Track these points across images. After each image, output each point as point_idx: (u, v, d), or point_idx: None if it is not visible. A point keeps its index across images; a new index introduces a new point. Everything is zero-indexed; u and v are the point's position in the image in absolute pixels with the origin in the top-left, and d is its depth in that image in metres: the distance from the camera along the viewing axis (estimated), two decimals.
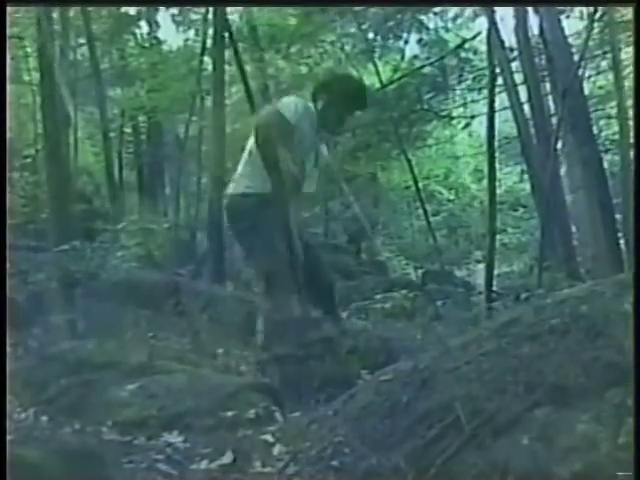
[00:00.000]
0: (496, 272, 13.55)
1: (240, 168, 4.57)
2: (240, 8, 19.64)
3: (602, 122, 17.03)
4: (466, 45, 15.52)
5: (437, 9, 17.19)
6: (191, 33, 21.69)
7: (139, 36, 21.87)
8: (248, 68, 18.13)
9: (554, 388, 2.24)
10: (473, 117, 16.91)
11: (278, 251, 4.26)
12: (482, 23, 14.33)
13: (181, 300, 6.77)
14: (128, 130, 22.37)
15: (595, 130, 14.51)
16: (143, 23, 21.73)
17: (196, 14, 20.46)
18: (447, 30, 17.80)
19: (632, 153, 10.09)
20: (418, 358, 3.03)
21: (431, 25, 17.31)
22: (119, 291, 6.92)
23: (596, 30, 13.86)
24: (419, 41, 16.82)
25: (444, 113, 16.33)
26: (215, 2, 12.39)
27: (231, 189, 4.59)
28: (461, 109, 17.18)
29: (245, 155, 4.57)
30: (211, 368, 4.58)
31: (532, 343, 2.55)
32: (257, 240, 4.32)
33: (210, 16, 16.25)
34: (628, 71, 16.02)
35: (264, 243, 4.28)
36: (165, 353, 4.81)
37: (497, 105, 13.58)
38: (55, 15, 14.50)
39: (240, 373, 4.66)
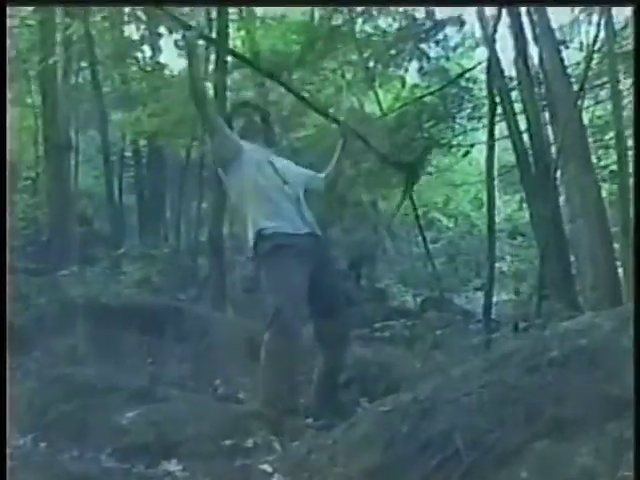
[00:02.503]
0: (495, 300, 13.56)
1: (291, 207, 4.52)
2: (242, 33, 19.80)
3: (601, 151, 17.11)
4: (466, 74, 15.60)
5: (439, 37, 17.31)
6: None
7: (141, 60, 21.99)
8: (250, 94, 18.24)
9: (553, 421, 2.25)
10: (472, 145, 16.95)
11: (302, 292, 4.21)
12: (483, 53, 14.43)
13: (181, 325, 6.78)
14: (129, 154, 22.42)
15: (594, 159, 14.56)
16: (146, 47, 21.88)
17: (199, 40, 20.54)
18: (448, 59, 17.87)
19: (632, 152, 10.06)
20: (418, 388, 3.04)
21: (432, 54, 17.40)
22: (119, 316, 6.92)
23: (595, 61, 13.95)
24: (420, 70, 16.87)
25: (444, 141, 16.37)
26: (215, 2, 12.44)
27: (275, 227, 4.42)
28: (461, 137, 17.24)
29: (300, 196, 4.59)
30: (211, 395, 4.59)
31: (532, 375, 2.56)
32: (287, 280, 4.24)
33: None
34: (627, 101, 16.13)
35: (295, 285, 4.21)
36: (165, 379, 4.82)
37: (497, 134, 13.64)
38: (58, 38, 14.60)
39: (239, 401, 4.67)
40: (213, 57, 15.41)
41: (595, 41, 11.46)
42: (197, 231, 16.69)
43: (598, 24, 11.63)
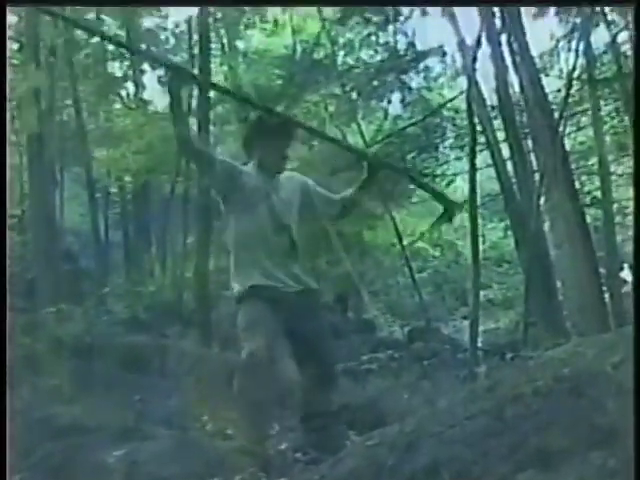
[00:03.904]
0: (482, 328, 13.60)
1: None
2: (225, 68, 19.92)
3: (584, 177, 17.23)
4: (449, 104, 15.73)
5: (421, 67, 17.47)
6: None
7: (125, 97, 22.08)
8: (233, 128, 18.31)
9: (537, 451, 2.26)
10: (456, 175, 17.08)
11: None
12: (464, 82, 14.54)
13: (168, 362, 6.76)
14: (114, 190, 22.44)
15: (577, 185, 14.66)
16: (129, 84, 21.98)
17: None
18: (430, 90, 18.06)
19: (632, 152, 10.13)
20: (405, 420, 3.04)
21: (414, 85, 17.57)
22: (105, 354, 6.91)
23: (576, 87, 14.09)
24: (402, 100, 17.05)
25: (428, 171, 16.47)
26: (214, 2, 12.50)
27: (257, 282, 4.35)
28: (445, 167, 17.36)
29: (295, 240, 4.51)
30: (197, 432, 4.57)
31: (516, 405, 2.57)
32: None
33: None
34: (608, 127, 16.27)
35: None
36: (152, 416, 4.80)
37: (480, 162, 13.74)
38: (41, 75, 14.63)
39: (228, 437, 4.65)
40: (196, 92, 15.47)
41: (574, 68, 11.60)
42: (183, 266, 16.66)
43: (576, 51, 11.79)
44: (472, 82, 10.98)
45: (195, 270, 12.41)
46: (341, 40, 18.46)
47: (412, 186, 16.58)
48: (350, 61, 17.98)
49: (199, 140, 4.77)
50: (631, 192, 14.86)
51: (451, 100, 16.12)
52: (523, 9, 13.02)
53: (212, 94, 13.44)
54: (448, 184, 17.54)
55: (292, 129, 4.74)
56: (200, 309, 11.50)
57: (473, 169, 9.11)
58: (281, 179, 4.56)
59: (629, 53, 13.33)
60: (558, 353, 3.05)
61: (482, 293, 18.42)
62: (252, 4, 15.00)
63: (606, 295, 12.54)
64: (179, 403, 5.63)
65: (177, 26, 21.31)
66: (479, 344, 11.01)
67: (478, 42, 10.17)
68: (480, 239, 20.41)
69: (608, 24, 13.34)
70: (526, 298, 11.13)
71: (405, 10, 16.77)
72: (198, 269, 11.81)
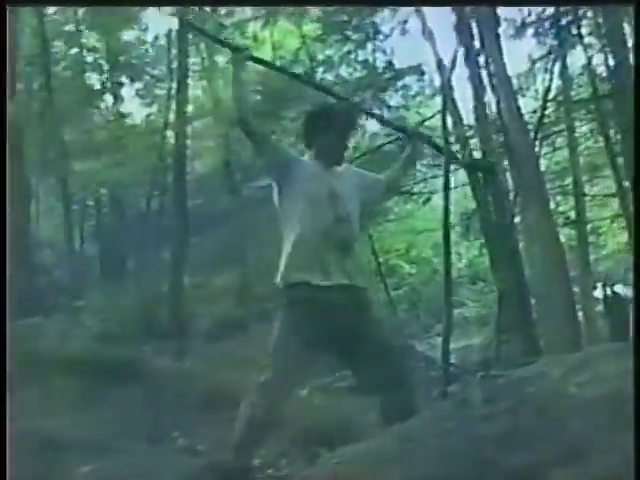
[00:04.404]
0: (457, 345, 13.66)
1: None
2: (204, 82, 19.94)
3: (559, 197, 17.36)
4: (426, 122, 15.79)
5: (399, 85, 17.56)
6: (154, 107, 21.94)
7: (103, 109, 22.04)
8: (212, 143, 18.34)
9: (504, 470, 2.28)
10: (432, 193, 17.14)
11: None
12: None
13: (141, 377, 6.74)
14: (90, 203, 22.38)
15: (552, 205, 14.78)
16: (108, 96, 21.95)
17: (160, 89, 20.69)
18: (407, 108, 18.14)
19: (632, 153, 10.22)
20: (376, 438, 3.06)
21: (392, 103, 17.64)
22: (79, 368, 6.88)
23: (552, 108, 14.23)
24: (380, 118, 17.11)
25: (405, 189, 16.51)
26: (213, 2, 12.52)
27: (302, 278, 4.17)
28: (422, 184, 17.41)
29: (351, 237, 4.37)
30: (170, 447, 4.57)
31: (484, 424, 2.60)
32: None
33: (173, 92, 16.47)
34: (582, 147, 16.44)
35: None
36: (124, 431, 4.79)
37: (457, 181, 13.79)
38: (19, 87, 14.60)
39: (198, 453, 4.64)
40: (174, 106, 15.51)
41: (548, 89, 11.73)
42: (158, 281, 16.64)
43: (551, 72, 11.94)
44: (447, 102, 11.09)
45: (170, 285, 12.39)
46: (320, 57, 18.56)
47: (389, 203, 16.66)
48: (329, 77, 18.05)
49: (259, 122, 4.62)
50: (605, 212, 15.02)
51: (429, 118, 16.19)
52: (501, 30, 13.16)
53: (190, 108, 13.49)
54: (425, 202, 17.61)
55: (354, 118, 4.68)
56: (175, 324, 11.48)
57: (447, 187, 9.18)
58: (338, 170, 4.44)
59: (604, 75, 13.50)
60: (525, 372, 3.08)
61: (457, 311, 18.53)
62: (252, 4, 14.94)
63: (580, 314, 12.65)
64: (152, 418, 5.61)
65: (157, 39, 21.33)
66: (452, 361, 11.07)
67: (453, 62, 10.28)
68: (456, 257, 20.60)
69: (584, 46, 13.50)
70: (499, 316, 11.20)
71: (385, 28, 16.91)
72: (173, 284, 11.79)
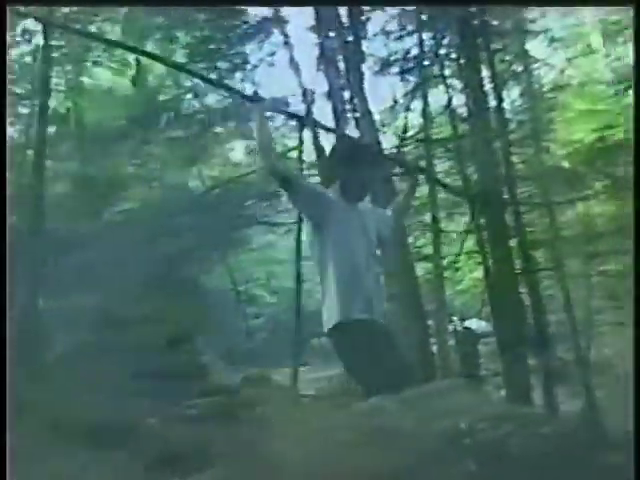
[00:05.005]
0: (315, 376, 13.79)
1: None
2: (69, 104, 19.52)
3: (417, 232, 17.70)
4: (289, 154, 15.93)
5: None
6: (18, 126, 21.33)
7: None
8: (73, 164, 17.92)
9: None
10: (295, 223, 17.26)
11: None
12: (306, 132, 14.69)
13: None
14: None
15: (410, 239, 15.09)
16: None
17: (24, 107, 20.16)
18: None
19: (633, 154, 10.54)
20: (228, 466, 3.07)
21: None
22: None
23: (412, 145, 14.58)
24: (246, 147, 17.17)
25: (266, 219, 16.59)
26: (214, 2, 12.30)
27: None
28: (285, 215, 17.50)
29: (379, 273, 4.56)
30: None
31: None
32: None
33: (37, 109, 16.07)
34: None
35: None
36: None
37: None
38: None
39: None
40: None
41: (405, 128, 12.04)
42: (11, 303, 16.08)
43: (407, 108, 12.24)
44: (301, 134, 11.25)
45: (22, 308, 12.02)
46: (187, 84, 18.48)
47: (250, 232, 16.69)
48: (195, 105, 18.01)
49: (285, 165, 4.56)
50: (458, 247, 15.45)
51: (293, 149, 16.34)
52: (366, 66, 13.49)
53: (53, 129, 13.19)
54: (287, 232, 17.72)
55: (377, 156, 4.73)
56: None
57: (300, 220, 9.33)
58: (361, 206, 4.54)
59: (464, 115, 13.91)
60: (365, 405, 3.15)
61: (318, 341, 18.65)
62: (252, 4, 14.75)
63: (434, 348, 12.91)
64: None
65: (22, 57, 20.76)
66: (312, 392, 11.17)
67: (312, 96, 10.47)
68: (317, 288, 20.77)
69: (446, 86, 13.91)
70: None
71: (253, 59, 16.99)
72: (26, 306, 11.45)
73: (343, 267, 4.29)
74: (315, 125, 10.50)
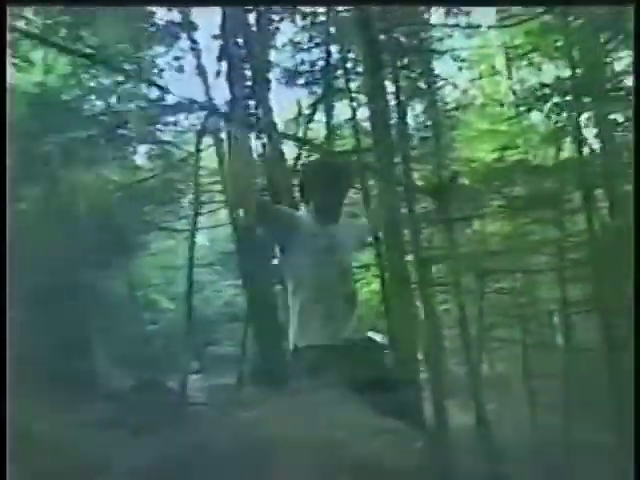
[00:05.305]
0: (212, 383, 13.74)
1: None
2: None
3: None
4: (191, 161, 15.87)
5: (170, 120, 17.53)
6: None
7: None
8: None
9: None
10: (197, 230, 17.21)
11: None
12: (210, 140, 14.62)
13: None
14: None
15: None
16: None
17: None
18: (176, 145, 18.11)
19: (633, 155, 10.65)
20: (114, 475, 3.05)
21: (165, 137, 17.54)
22: None
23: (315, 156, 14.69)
24: (148, 152, 17.01)
25: (166, 225, 16.49)
26: (216, 2, 12.07)
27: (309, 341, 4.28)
28: (184, 221, 17.43)
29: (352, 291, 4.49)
30: None
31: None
32: None
33: None
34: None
35: None
36: None
37: (220, 220, 13.88)
38: None
39: None
40: None
41: (305, 140, 12.10)
42: None
43: (310, 120, 12.28)
44: (200, 141, 11.22)
45: None
46: (92, 84, 18.16)
47: (150, 238, 16.54)
48: (100, 105, 17.75)
49: (256, 194, 4.42)
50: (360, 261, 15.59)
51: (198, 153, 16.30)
52: (273, 75, 13.56)
53: None
54: (187, 238, 17.64)
55: (351, 175, 4.64)
56: None
57: (195, 227, 9.33)
58: (333, 227, 4.46)
59: (369, 129, 14.09)
60: (252, 416, 3.18)
61: (212, 348, 18.64)
62: (252, 4, 14.44)
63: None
64: None
65: None
66: (203, 400, 11.12)
67: (212, 104, 10.49)
68: (215, 294, 20.74)
69: (351, 99, 14.03)
70: (243, 355, 11.37)
71: (161, 63, 16.85)
72: None
73: (304, 292, 4.29)
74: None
